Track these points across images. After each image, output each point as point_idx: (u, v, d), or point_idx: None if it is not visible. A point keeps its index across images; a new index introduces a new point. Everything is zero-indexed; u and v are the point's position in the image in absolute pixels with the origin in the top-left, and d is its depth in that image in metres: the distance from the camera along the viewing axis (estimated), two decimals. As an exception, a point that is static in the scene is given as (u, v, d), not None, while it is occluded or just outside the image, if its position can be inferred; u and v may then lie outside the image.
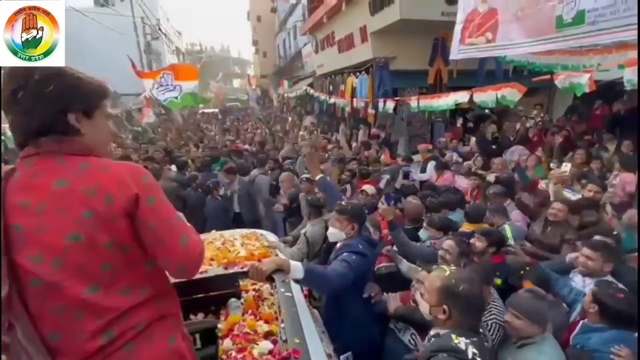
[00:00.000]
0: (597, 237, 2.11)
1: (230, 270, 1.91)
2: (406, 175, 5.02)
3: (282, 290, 1.53)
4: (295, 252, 2.85)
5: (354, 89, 8.81)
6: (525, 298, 1.68)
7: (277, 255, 2.17)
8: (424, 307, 1.34)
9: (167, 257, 0.92)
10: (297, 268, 1.51)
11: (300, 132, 9.36)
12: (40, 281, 0.82)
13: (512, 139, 6.30)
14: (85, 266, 0.84)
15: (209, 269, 1.92)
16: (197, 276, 1.75)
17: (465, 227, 2.75)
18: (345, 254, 1.87)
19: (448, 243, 2.18)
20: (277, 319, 1.46)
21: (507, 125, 7.07)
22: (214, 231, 2.65)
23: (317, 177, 2.62)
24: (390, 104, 5.92)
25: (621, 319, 1.59)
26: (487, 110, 7.78)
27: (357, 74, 8.56)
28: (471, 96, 3.99)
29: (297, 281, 1.56)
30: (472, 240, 2.29)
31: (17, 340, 0.83)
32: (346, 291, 1.87)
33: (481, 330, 1.30)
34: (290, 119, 14.94)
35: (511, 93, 3.53)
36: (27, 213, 0.82)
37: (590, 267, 1.93)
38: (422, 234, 2.76)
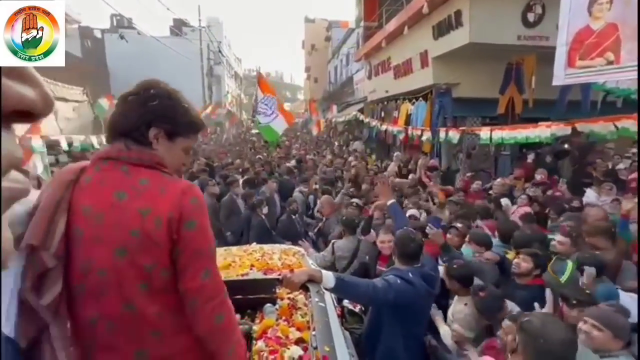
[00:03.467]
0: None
1: (269, 276, 1.97)
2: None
3: (316, 300, 1.60)
4: (319, 257, 2.97)
5: (408, 116, 8.33)
6: (609, 311, 1.60)
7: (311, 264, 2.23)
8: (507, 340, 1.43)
9: (184, 286, 0.90)
10: (328, 278, 1.52)
11: (350, 158, 8.99)
12: (83, 287, 0.86)
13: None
14: (124, 282, 0.85)
15: (250, 272, 2.04)
16: (238, 278, 1.93)
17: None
18: (391, 275, 1.80)
19: (488, 254, 2.62)
20: (309, 328, 1.50)
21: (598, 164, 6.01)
22: (254, 244, 2.79)
23: (389, 203, 2.50)
24: (454, 134, 5.28)
25: None
26: (566, 145, 6.78)
27: (414, 100, 8.09)
28: (574, 128, 3.27)
29: (328, 289, 1.58)
30: (515, 261, 2.31)
31: (47, 339, 0.82)
32: (386, 316, 1.86)
33: None
34: (336, 143, 14.79)
35: (634, 125, 2.81)
36: (87, 220, 0.86)
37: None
38: (465, 249, 2.80)
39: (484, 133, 4.42)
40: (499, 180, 5.07)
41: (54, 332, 0.82)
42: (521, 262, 2.33)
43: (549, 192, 5.14)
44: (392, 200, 2.50)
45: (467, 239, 2.86)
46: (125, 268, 0.84)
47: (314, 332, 1.40)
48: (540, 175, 5.81)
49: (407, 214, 3.43)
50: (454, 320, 2.21)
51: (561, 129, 3.33)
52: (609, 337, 1.51)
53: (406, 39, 7.91)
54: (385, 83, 10.14)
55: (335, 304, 1.91)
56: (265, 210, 4.34)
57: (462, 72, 6.92)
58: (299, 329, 1.51)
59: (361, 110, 12.52)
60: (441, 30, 6.43)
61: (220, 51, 19.00)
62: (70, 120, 7.31)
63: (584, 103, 5.95)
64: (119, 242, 0.84)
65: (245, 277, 1.96)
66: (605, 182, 4.94)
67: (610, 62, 2.80)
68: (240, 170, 7.03)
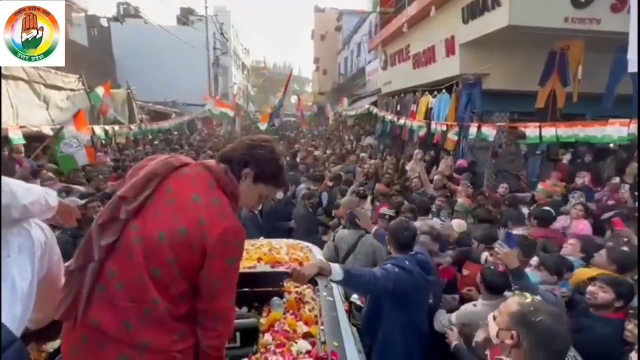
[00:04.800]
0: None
1: (276, 269, 1.97)
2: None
3: (325, 294, 1.68)
4: (325, 250, 3.12)
5: (428, 110, 7.62)
6: None
7: (319, 259, 2.23)
8: (492, 330, 1.24)
9: (211, 307, 1.07)
10: (336, 270, 1.56)
11: (362, 154, 8.34)
12: (121, 244, 1.01)
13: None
14: (149, 258, 1.00)
15: (257, 265, 2.04)
16: (246, 271, 1.87)
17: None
18: (389, 264, 1.86)
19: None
20: (317, 322, 1.52)
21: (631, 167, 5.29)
22: (262, 238, 2.81)
23: (373, 231, 2.73)
24: (488, 130, 4.58)
25: None
26: (611, 145, 6.03)
27: (435, 92, 7.37)
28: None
29: (336, 282, 1.61)
30: (591, 289, 1.96)
31: (82, 273, 1.00)
32: (385, 303, 1.91)
33: None
34: (346, 137, 14.12)
35: None
36: (164, 197, 1.06)
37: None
38: (533, 276, 2.30)
39: (532, 130, 3.70)
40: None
41: (91, 267, 0.99)
42: (598, 292, 1.95)
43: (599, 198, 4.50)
44: (375, 228, 2.73)
45: (533, 262, 2.31)
46: (157, 249, 0.99)
47: (322, 327, 1.41)
48: (581, 180, 5.11)
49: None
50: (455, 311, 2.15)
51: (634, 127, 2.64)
52: None
53: (429, 24, 7.15)
54: (402, 74, 9.40)
55: (343, 299, 1.93)
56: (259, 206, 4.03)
57: (493, 61, 6.16)
58: (306, 323, 1.52)
59: (374, 104, 11.79)
60: (473, 11, 5.68)
61: (222, 34, 18.28)
62: (64, 109, 6.79)
63: (636, 97, 5.18)
64: (168, 228, 1.00)
65: (252, 270, 1.94)
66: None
67: None
68: None
